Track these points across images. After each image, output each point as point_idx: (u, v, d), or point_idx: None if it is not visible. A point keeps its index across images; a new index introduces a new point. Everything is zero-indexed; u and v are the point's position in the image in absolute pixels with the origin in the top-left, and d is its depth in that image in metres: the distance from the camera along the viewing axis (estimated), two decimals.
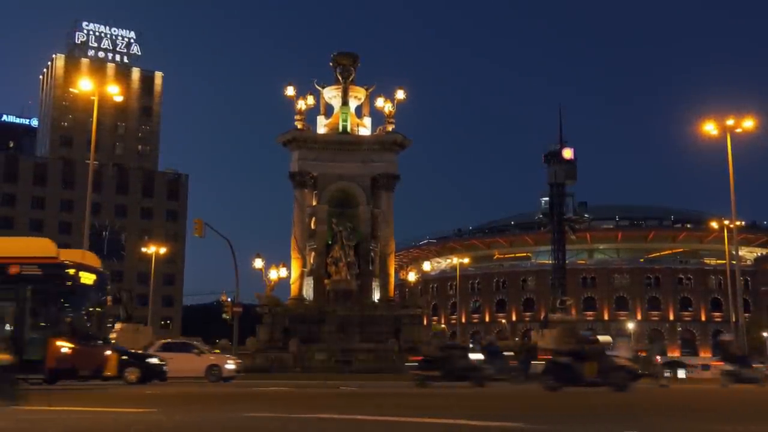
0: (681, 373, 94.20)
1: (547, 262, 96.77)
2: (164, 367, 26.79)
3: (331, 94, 52.02)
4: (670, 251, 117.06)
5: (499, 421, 10.40)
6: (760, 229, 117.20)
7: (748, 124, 41.74)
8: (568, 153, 79.70)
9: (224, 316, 46.24)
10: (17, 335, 19.46)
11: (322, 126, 51.74)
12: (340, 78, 51.34)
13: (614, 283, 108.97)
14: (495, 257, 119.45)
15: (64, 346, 19.51)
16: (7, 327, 19.88)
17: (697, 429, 9.79)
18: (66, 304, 20.27)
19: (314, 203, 50.16)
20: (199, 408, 13.61)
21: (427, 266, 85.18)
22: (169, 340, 35.43)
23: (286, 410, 12.53)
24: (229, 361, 30.85)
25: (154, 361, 26.69)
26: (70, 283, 19.98)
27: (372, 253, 49.20)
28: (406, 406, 14.13)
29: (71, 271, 20.06)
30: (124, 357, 25.38)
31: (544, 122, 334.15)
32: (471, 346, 45.33)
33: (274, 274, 48.53)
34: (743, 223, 74.70)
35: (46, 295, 19.86)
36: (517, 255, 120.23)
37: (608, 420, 11.24)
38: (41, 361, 19.12)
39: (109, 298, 23.10)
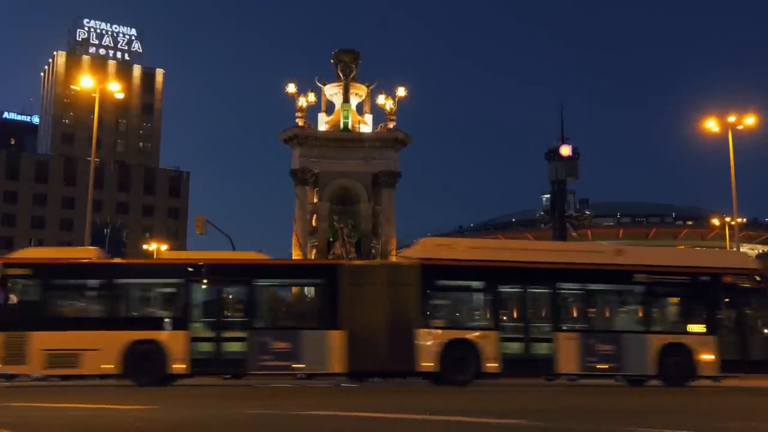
0: None
1: None
2: None
3: (333, 92, 51.96)
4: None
5: None
6: (762, 226, 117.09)
7: (750, 120, 41.66)
8: (566, 150, 79.28)
9: None
10: (744, 338, 22.16)
11: (323, 123, 51.69)
12: (341, 75, 51.26)
13: None
14: None
15: None
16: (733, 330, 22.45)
17: None
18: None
19: (315, 200, 50.14)
20: None
21: None
22: None
23: None
24: None
25: None
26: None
27: (373, 251, 49.16)
28: None
29: None
30: None
31: (547, 120, 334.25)
32: None
33: None
34: (745, 219, 74.47)
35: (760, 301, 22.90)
36: None
37: None
38: (765, 362, 21.98)
39: None
